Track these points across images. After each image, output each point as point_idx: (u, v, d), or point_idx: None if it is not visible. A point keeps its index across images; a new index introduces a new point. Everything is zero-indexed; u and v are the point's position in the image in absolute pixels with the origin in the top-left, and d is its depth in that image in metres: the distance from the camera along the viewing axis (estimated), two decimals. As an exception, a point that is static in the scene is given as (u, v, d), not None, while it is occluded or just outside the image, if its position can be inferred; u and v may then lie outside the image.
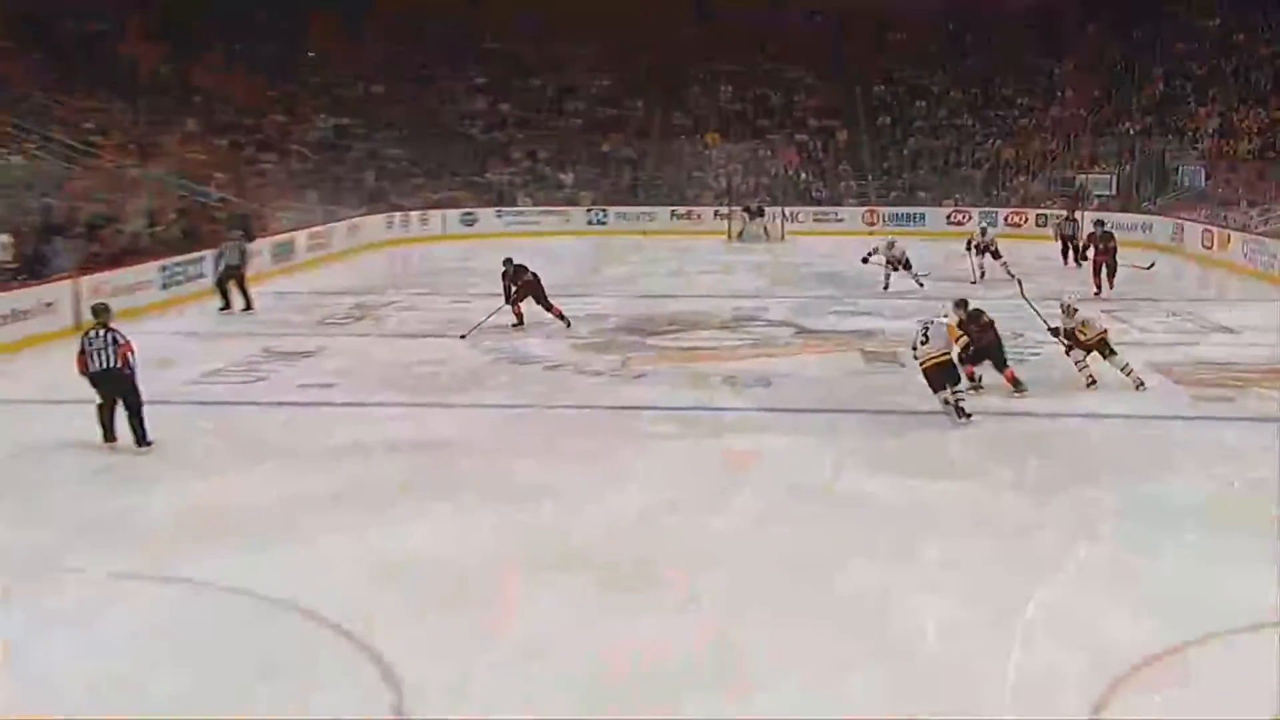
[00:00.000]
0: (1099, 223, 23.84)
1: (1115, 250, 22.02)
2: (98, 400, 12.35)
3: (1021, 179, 39.21)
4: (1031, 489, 11.36)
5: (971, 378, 14.28)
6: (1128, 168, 37.48)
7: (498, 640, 7.86)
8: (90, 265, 20.86)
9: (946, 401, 12.90)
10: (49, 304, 18.87)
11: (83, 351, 12.33)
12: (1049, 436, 13.33)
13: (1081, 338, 14.74)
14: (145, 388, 12.86)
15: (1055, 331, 15.16)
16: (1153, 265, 23.00)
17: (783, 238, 36.14)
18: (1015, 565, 9.24)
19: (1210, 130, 37.31)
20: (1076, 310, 14.95)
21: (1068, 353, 14.85)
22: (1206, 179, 34.88)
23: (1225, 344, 18.71)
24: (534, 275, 19.66)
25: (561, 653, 7.62)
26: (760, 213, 36.36)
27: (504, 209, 38.47)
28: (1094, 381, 14.46)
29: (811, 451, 12.71)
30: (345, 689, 7.26)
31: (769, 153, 41.67)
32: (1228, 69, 39.69)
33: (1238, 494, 11.32)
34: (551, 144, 41.82)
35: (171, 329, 20.38)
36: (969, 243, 25.76)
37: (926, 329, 13.34)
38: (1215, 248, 28.36)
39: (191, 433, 13.45)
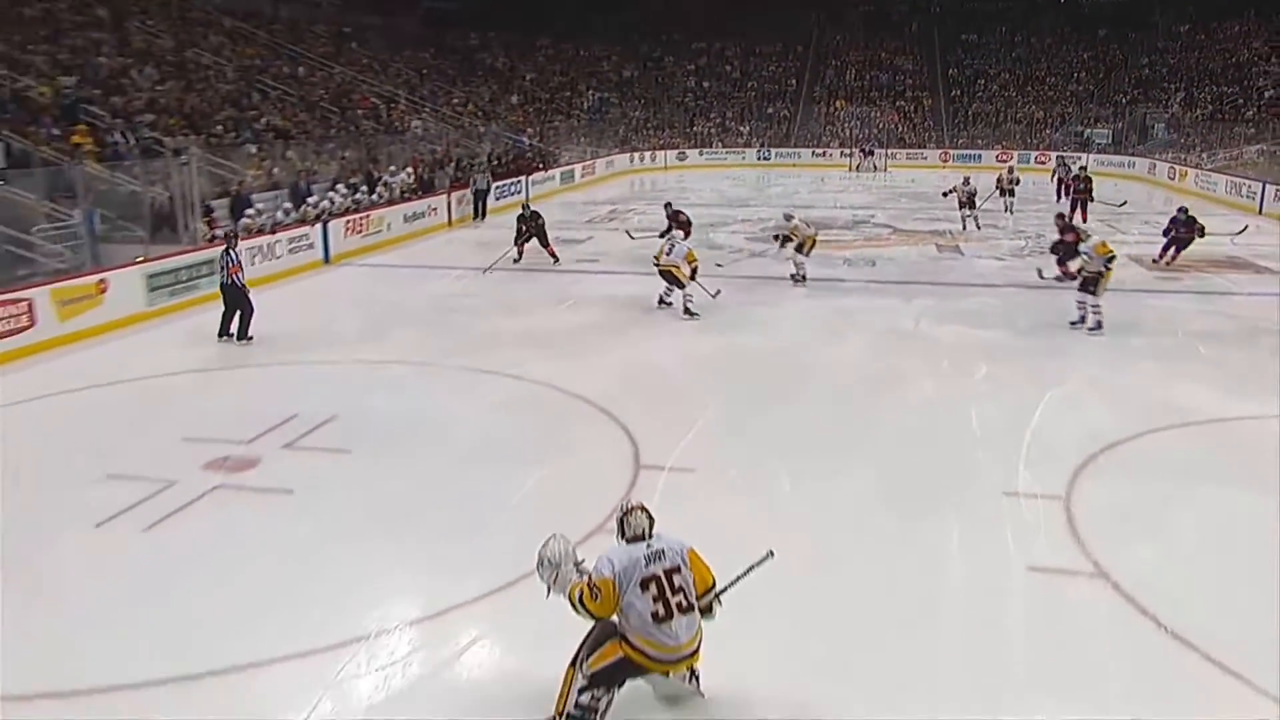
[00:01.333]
0: (1082, 168, 25.13)
1: (1090, 189, 23.65)
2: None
3: (1046, 132, 44.88)
4: (1043, 336, 13.28)
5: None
6: (1120, 125, 43.19)
7: (700, 416, 10.01)
8: (453, 187, 24.90)
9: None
10: (434, 209, 23.29)
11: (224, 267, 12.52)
12: (1055, 301, 14.77)
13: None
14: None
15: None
16: (1124, 203, 24.41)
17: (886, 169, 41.14)
18: (1035, 381, 11.12)
19: (1177, 101, 43.39)
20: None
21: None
22: (1172, 133, 40.33)
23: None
24: (541, 220, 18.78)
25: (738, 426, 9.81)
26: (871, 153, 41.94)
27: (704, 150, 45.53)
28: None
29: (901, 308, 14.94)
30: (604, 443, 9.24)
31: (879, 113, 48.63)
32: (1190, 60, 46.30)
33: (1181, 340, 13.35)
34: (736, 107, 50.01)
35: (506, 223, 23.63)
36: (998, 181, 25.26)
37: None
38: (1177, 179, 32.59)
39: (517, 286, 16.85)
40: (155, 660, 5.71)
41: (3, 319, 11.68)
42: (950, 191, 23.64)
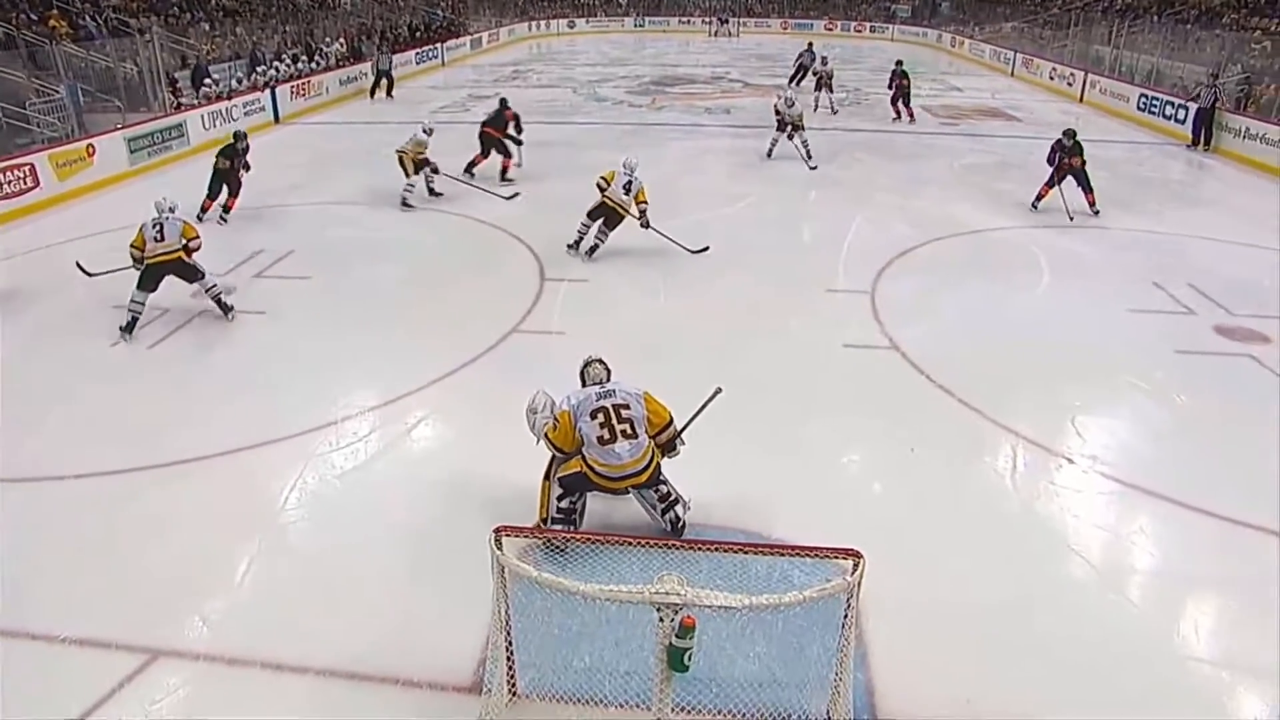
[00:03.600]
0: (899, 62, 18.19)
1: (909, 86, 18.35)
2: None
3: (862, 5, 41.57)
4: (858, 169, 13.67)
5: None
6: (917, 2, 40.43)
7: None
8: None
9: None
10: (364, 74, 21.52)
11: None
12: (864, 143, 15.56)
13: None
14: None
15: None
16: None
17: (738, 35, 39.72)
18: (851, 204, 11.51)
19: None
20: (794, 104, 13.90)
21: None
22: (954, 10, 38.08)
23: (956, 95, 21.74)
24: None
25: (620, 243, 9.38)
26: (725, 21, 40.22)
27: (590, 19, 42.64)
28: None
29: (752, 145, 14.79)
30: (517, 263, 9.20)
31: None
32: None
33: (956, 169, 13.74)
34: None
35: (428, 84, 23.58)
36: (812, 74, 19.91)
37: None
38: (957, 47, 32.02)
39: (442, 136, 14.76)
40: (168, 447, 5.74)
41: (10, 181, 11.16)
42: (799, 71, 21.52)
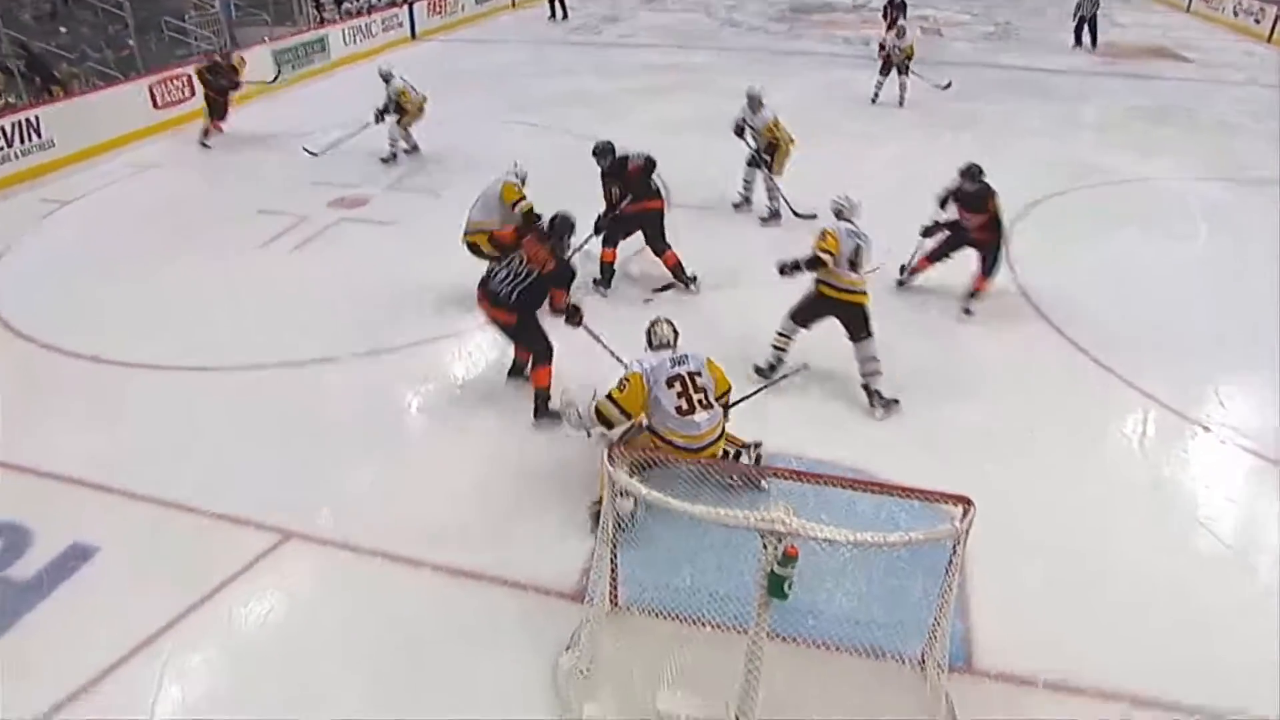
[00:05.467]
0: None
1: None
2: None
3: None
4: (1002, 108, 12.81)
5: None
6: None
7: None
8: None
9: None
10: None
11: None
12: (1012, 81, 14.54)
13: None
14: None
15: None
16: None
17: None
18: (991, 146, 10.57)
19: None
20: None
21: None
22: None
23: (1118, 32, 19.90)
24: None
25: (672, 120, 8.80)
26: None
27: None
28: None
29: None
30: None
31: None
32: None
33: (1112, 113, 12.64)
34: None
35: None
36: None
37: None
38: None
39: (565, 54, 15.77)
40: (315, 342, 6.15)
41: (170, 91, 11.79)
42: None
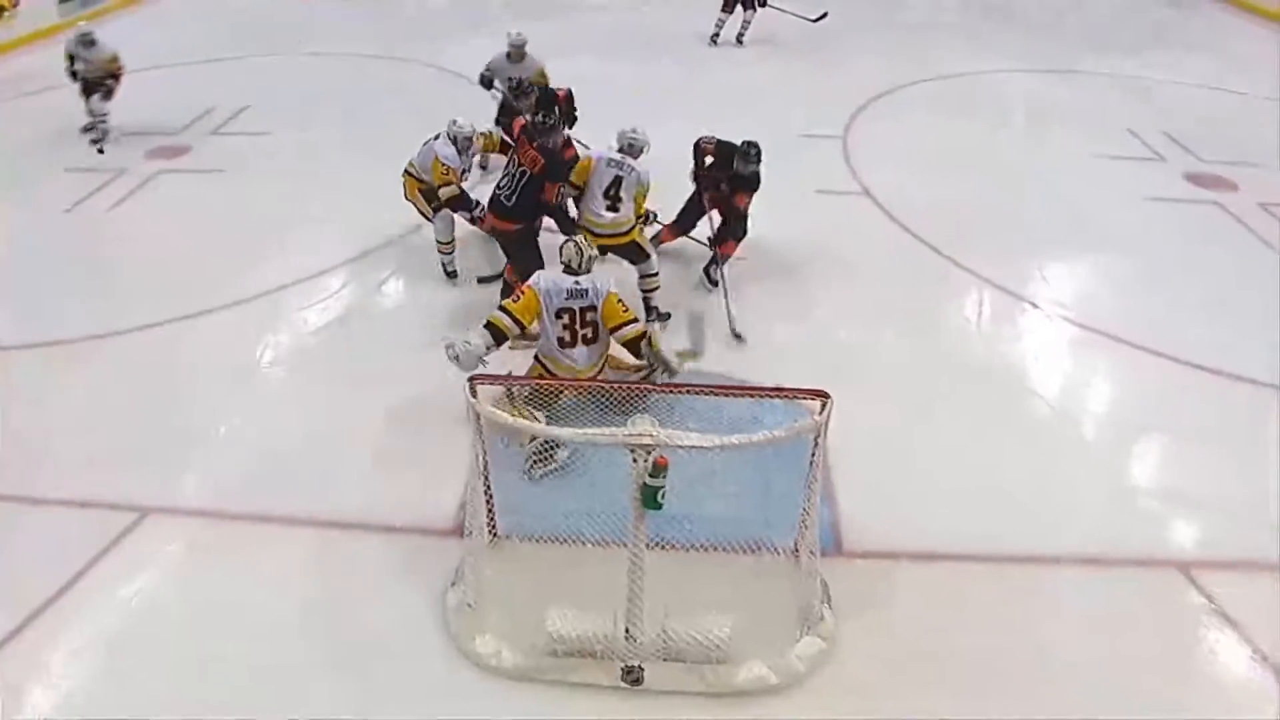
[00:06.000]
0: None
1: None
2: None
3: None
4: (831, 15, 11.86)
5: None
6: None
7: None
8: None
9: None
10: None
11: None
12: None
13: None
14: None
15: None
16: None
17: None
18: (824, 49, 10.71)
19: None
20: None
21: None
22: None
23: None
24: None
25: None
26: None
27: None
28: None
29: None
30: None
31: None
32: None
33: (936, 10, 13.23)
34: None
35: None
36: None
37: None
38: None
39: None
40: (139, 310, 5.66)
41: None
42: None
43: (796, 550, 3.60)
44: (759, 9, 10.92)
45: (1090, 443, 4.73)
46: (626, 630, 3.26)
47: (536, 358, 4.40)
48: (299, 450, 4.49)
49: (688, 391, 3.44)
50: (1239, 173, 7.70)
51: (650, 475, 2.96)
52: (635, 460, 2.98)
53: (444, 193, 5.60)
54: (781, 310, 5.66)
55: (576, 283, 4.24)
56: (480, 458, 3.44)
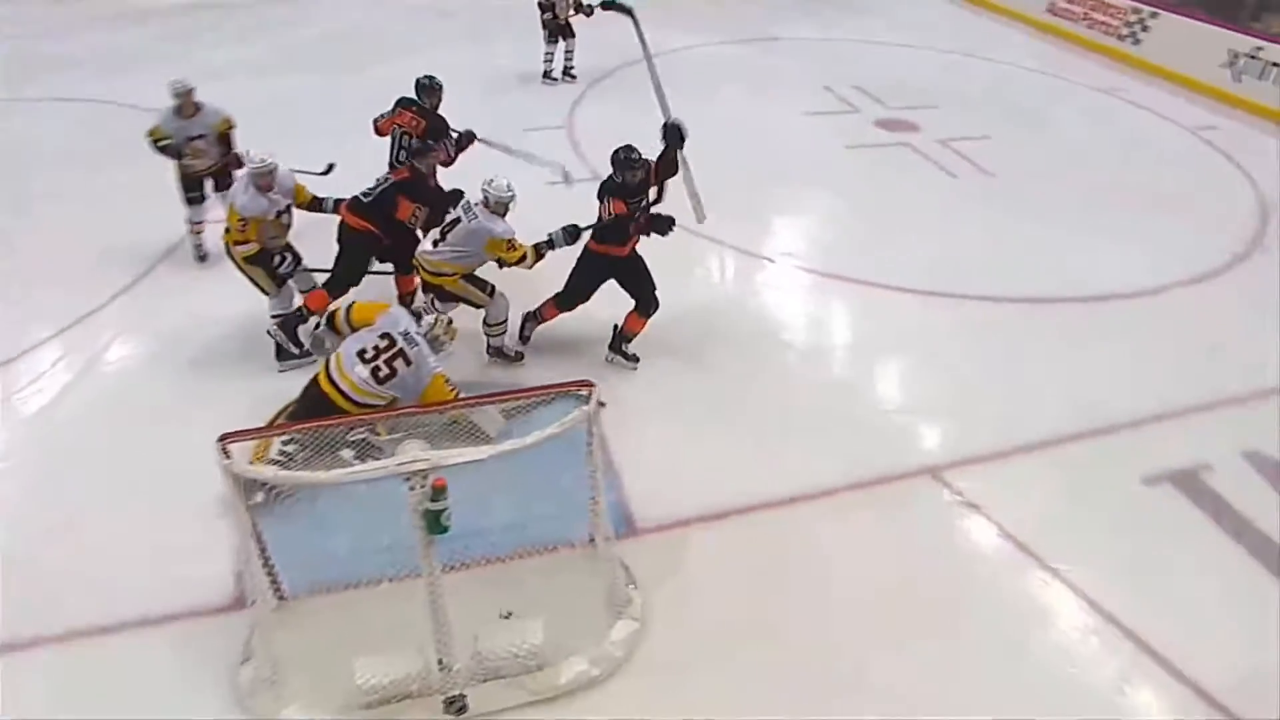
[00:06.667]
0: None
1: None
2: None
3: None
4: None
5: None
6: None
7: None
8: None
9: None
10: None
11: None
12: None
13: None
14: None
15: None
16: None
17: None
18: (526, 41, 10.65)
19: None
20: None
21: None
22: None
23: None
24: None
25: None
26: None
27: None
28: None
29: None
30: None
31: None
32: None
33: None
34: None
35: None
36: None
37: None
38: None
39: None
40: None
41: None
42: None
43: (592, 539, 3.65)
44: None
45: (835, 377, 5.16)
46: (439, 661, 3.17)
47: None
48: (41, 557, 3.89)
49: (455, 407, 3.37)
50: (919, 115, 8.61)
51: (431, 500, 2.88)
52: (412, 488, 2.89)
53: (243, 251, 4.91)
54: (525, 300, 5.59)
55: (406, 333, 3.99)
56: (245, 519, 3.19)
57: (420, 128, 5.65)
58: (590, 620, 3.45)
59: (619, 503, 4.05)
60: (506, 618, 3.40)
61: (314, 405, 3.97)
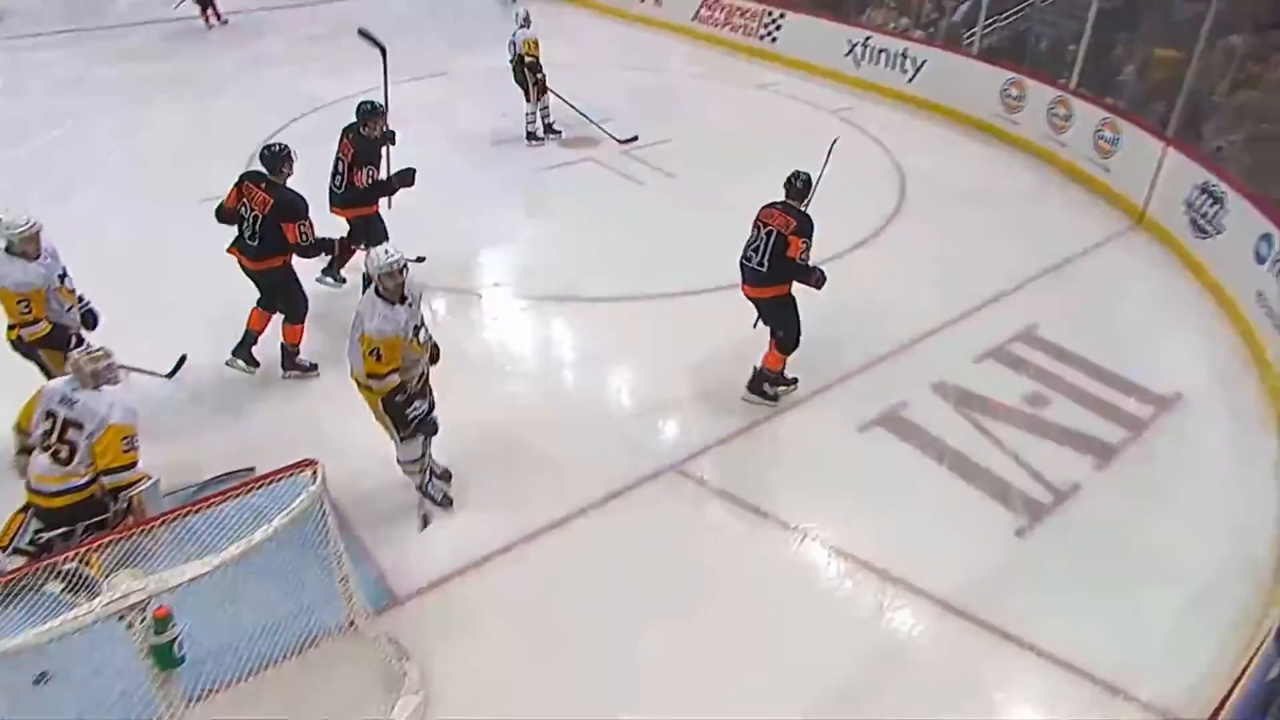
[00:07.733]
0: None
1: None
2: None
3: None
4: (186, 59, 11.90)
5: None
6: None
7: None
8: None
9: None
10: None
11: None
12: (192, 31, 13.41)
13: None
14: None
15: None
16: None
17: None
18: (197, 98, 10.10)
19: None
20: None
21: None
22: None
23: None
24: None
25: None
26: None
27: None
28: None
29: None
30: None
31: None
32: None
33: (298, 41, 12.92)
34: None
35: None
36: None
37: None
38: None
39: None
40: None
41: None
42: None
43: (352, 622, 3.44)
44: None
45: (568, 396, 5.29)
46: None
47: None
48: None
49: (166, 520, 3.02)
50: (596, 131, 8.96)
51: (155, 633, 2.57)
52: (130, 625, 2.56)
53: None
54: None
55: (73, 390, 3.59)
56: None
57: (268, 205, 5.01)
58: (368, 709, 3.25)
59: (376, 577, 3.85)
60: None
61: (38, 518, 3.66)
